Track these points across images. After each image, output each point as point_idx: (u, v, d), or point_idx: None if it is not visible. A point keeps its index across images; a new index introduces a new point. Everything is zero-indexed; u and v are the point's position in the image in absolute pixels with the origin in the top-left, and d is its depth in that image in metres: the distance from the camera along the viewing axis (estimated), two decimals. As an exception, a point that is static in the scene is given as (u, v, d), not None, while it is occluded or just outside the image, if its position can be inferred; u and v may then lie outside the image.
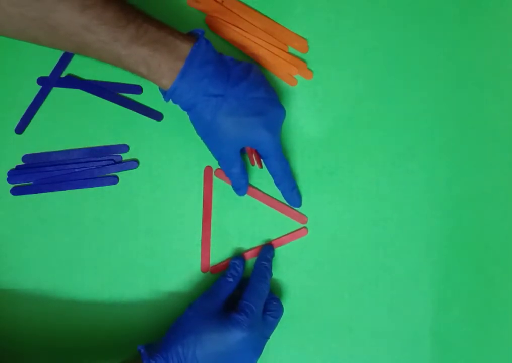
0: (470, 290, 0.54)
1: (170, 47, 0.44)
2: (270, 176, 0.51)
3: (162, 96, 0.47)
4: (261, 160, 0.51)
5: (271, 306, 0.50)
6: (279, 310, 0.50)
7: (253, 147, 0.49)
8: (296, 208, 0.53)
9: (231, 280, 0.50)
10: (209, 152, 0.50)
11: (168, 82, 0.45)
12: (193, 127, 0.48)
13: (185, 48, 0.45)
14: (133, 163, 0.53)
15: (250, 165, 0.52)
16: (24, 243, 0.52)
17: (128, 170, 0.53)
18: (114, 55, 0.44)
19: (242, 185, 0.51)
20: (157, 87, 0.46)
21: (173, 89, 0.45)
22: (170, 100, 0.47)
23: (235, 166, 0.49)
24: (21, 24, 0.42)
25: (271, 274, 0.51)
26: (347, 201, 0.53)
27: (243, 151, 0.51)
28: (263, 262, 0.51)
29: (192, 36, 0.46)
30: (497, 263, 0.54)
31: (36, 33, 0.43)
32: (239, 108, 0.46)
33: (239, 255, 0.53)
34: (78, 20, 0.42)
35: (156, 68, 0.44)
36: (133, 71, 0.45)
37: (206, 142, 0.49)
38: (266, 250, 0.52)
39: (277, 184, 0.51)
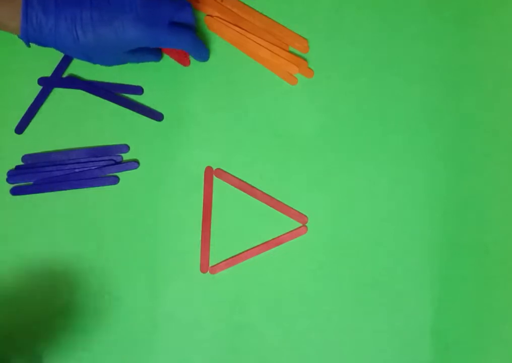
0: (470, 290, 0.54)
1: None
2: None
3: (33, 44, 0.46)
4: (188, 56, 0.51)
5: None
6: None
7: (148, 47, 0.47)
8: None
9: None
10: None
11: (17, 18, 0.43)
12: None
13: None
14: (134, 163, 0.53)
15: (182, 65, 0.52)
16: (24, 243, 0.52)
17: (129, 170, 0.53)
18: None
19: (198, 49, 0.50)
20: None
21: (27, 20, 0.43)
22: (37, 45, 0.45)
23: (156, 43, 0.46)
24: None
25: None
26: (347, 201, 0.54)
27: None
28: None
29: None
30: (497, 264, 0.54)
31: None
32: (100, 15, 0.44)
33: None
34: None
35: None
36: None
37: (95, 62, 0.48)
38: None
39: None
